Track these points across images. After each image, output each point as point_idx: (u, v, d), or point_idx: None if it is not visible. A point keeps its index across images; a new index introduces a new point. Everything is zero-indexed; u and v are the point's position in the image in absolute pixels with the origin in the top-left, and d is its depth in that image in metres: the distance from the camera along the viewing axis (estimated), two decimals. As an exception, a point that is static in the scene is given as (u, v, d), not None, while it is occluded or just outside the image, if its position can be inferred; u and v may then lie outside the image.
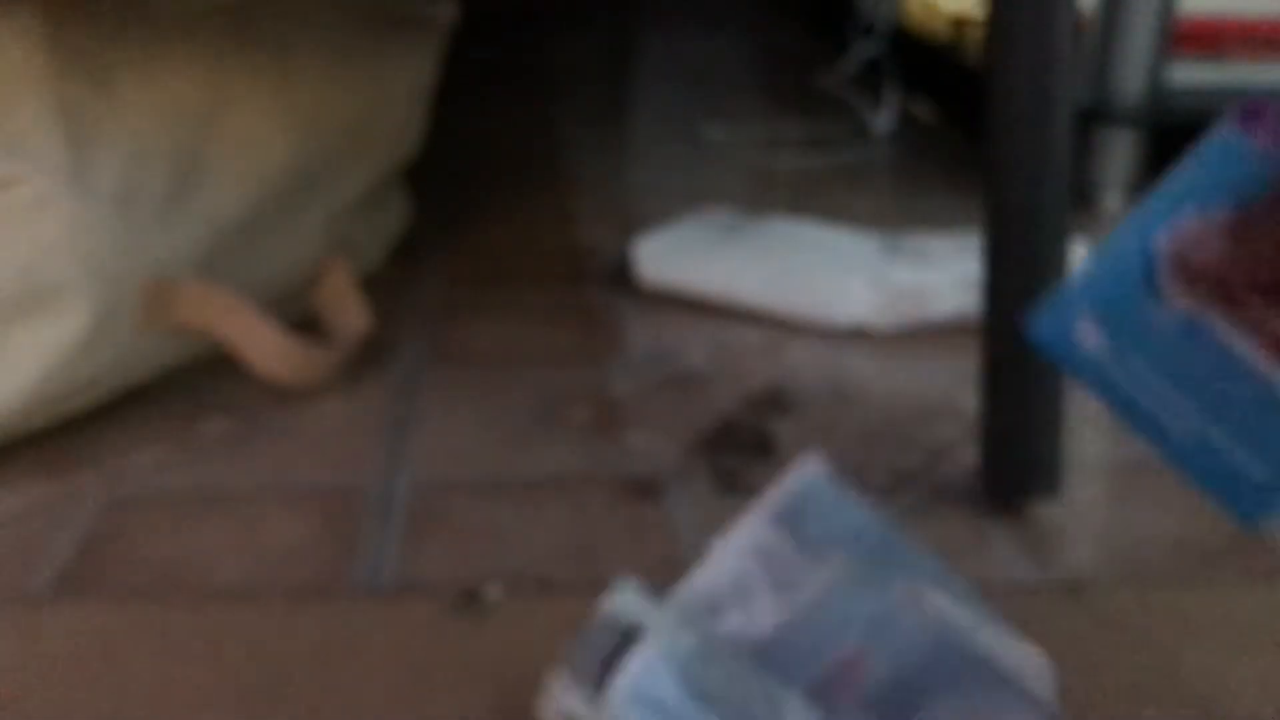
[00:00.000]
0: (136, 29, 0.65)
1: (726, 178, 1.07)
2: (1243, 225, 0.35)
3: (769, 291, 0.78)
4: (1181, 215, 0.36)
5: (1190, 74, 1.06)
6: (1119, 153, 1.03)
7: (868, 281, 0.77)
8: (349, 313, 0.72)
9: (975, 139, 1.21)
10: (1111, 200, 1.03)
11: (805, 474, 0.41)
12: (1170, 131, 1.06)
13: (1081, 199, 1.03)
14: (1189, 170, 0.37)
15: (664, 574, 0.54)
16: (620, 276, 0.84)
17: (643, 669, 0.38)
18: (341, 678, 0.46)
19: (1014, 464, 0.57)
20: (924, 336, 0.76)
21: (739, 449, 0.62)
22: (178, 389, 0.68)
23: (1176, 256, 0.36)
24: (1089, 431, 0.65)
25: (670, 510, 0.57)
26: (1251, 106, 0.33)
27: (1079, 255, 0.83)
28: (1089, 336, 0.38)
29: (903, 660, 0.37)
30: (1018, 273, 0.55)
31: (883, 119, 1.27)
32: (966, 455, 0.62)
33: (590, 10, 1.76)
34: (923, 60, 1.37)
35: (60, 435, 0.63)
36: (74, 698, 0.45)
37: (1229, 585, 0.52)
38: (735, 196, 1.00)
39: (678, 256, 0.82)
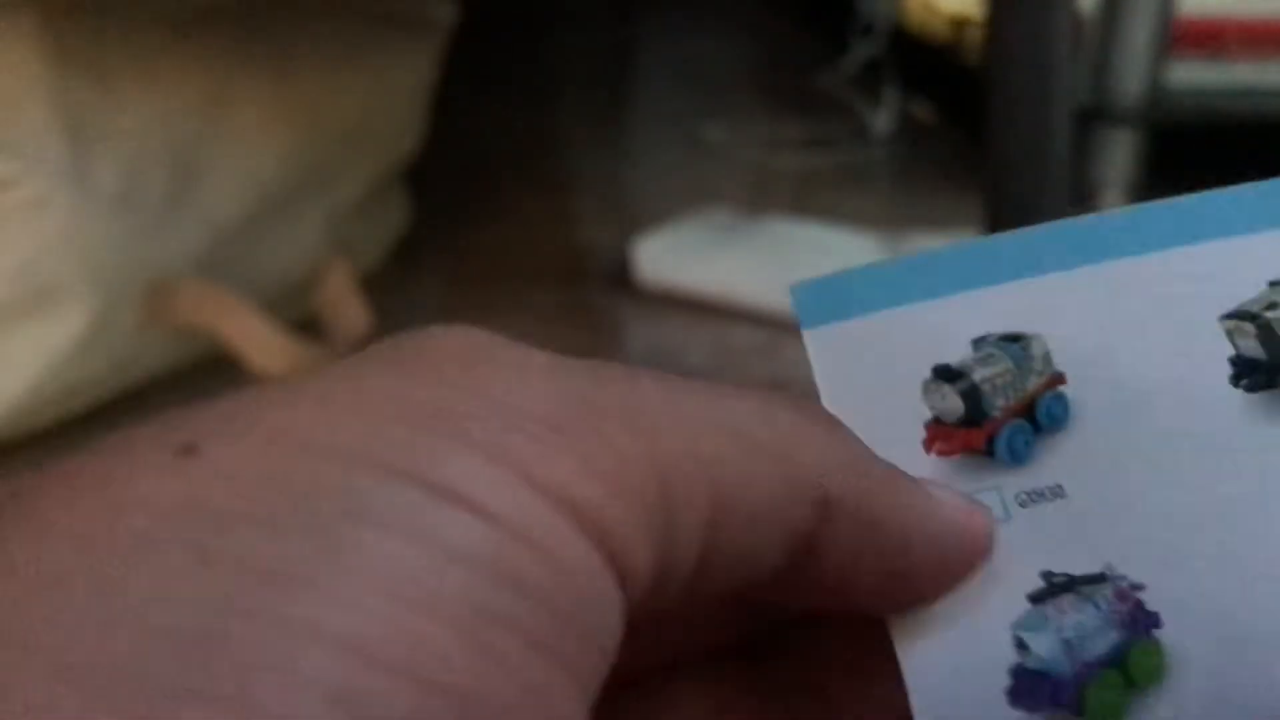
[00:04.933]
0: (136, 29, 0.65)
1: (726, 178, 1.07)
2: None
3: (769, 291, 0.78)
4: None
5: (1190, 74, 1.06)
6: (1119, 153, 1.03)
7: (868, 281, 0.76)
8: (349, 313, 0.72)
9: (975, 139, 1.21)
10: (1111, 200, 1.03)
11: None
12: (1170, 132, 1.06)
13: (1081, 199, 1.03)
14: None
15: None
16: (620, 276, 0.84)
17: None
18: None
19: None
20: (924, 336, 0.75)
21: (739, 449, 0.62)
22: (178, 389, 0.68)
23: None
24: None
25: (670, 510, 0.57)
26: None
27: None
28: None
29: None
30: (1017, 273, 0.54)
31: (882, 119, 1.27)
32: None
33: (590, 9, 1.76)
34: (922, 60, 1.37)
35: (60, 435, 0.63)
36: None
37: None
38: (735, 196, 1.00)
39: (678, 256, 0.82)
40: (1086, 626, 0.25)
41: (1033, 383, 0.26)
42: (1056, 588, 0.25)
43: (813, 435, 0.22)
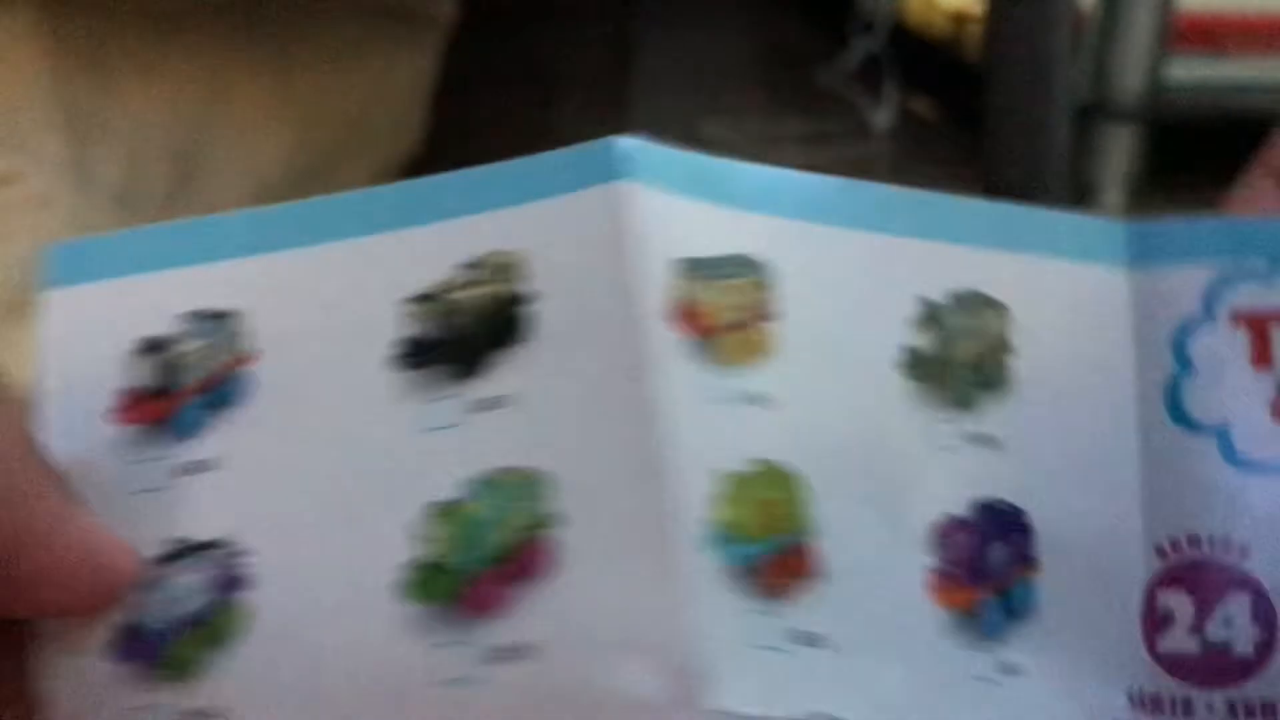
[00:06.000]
0: (136, 25, 0.65)
1: (726, 174, 1.07)
2: None
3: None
4: None
5: (1191, 70, 1.06)
6: (1118, 149, 1.03)
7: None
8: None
9: (976, 135, 1.21)
10: (1111, 197, 1.03)
11: None
12: (1170, 128, 1.06)
13: (1081, 195, 1.03)
14: None
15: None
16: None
17: None
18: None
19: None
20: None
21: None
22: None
23: None
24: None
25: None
26: None
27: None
28: None
29: None
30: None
31: (883, 115, 1.27)
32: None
33: (591, 6, 1.76)
34: (923, 56, 1.37)
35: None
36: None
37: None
38: (735, 193, 1.00)
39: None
40: (186, 588, 0.26)
41: (224, 360, 0.27)
42: (176, 553, 0.27)
43: None
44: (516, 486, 0.25)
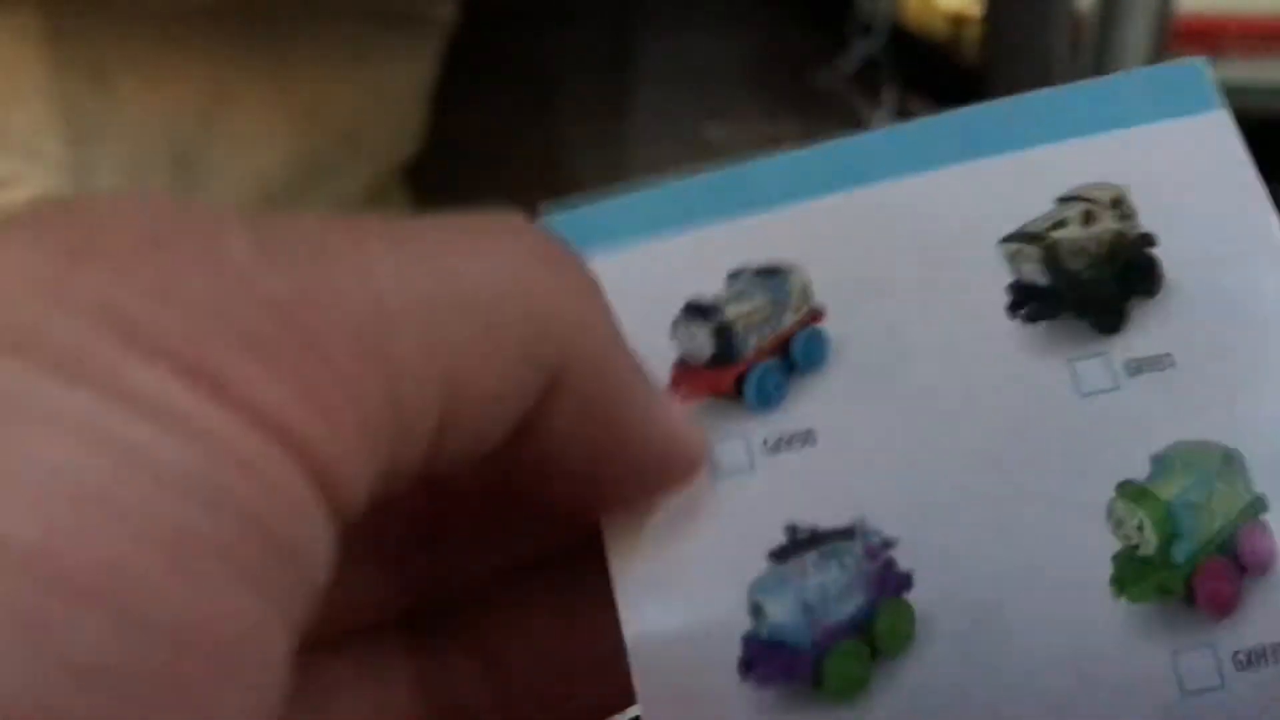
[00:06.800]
0: (136, 27, 0.65)
1: (726, 176, 1.07)
2: None
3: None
4: None
5: (1189, 71, 1.06)
6: (1118, 150, 1.03)
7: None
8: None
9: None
10: (1110, 198, 1.03)
11: None
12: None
13: (1080, 196, 1.03)
14: None
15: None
16: (620, 274, 0.83)
17: None
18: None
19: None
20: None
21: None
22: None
23: None
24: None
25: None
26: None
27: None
28: None
29: None
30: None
31: (881, 117, 1.27)
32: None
33: (590, 8, 1.76)
34: (922, 58, 1.37)
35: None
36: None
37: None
38: (735, 194, 1.00)
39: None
40: (830, 588, 0.22)
41: (789, 319, 0.23)
42: (799, 544, 0.22)
43: (556, 290, 0.19)
44: (1206, 464, 0.22)
